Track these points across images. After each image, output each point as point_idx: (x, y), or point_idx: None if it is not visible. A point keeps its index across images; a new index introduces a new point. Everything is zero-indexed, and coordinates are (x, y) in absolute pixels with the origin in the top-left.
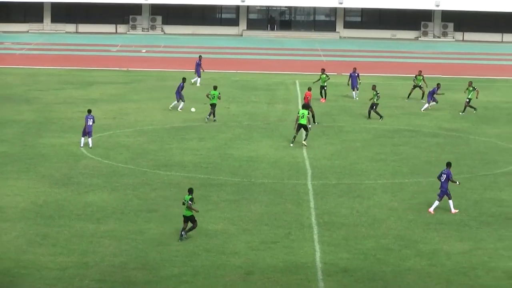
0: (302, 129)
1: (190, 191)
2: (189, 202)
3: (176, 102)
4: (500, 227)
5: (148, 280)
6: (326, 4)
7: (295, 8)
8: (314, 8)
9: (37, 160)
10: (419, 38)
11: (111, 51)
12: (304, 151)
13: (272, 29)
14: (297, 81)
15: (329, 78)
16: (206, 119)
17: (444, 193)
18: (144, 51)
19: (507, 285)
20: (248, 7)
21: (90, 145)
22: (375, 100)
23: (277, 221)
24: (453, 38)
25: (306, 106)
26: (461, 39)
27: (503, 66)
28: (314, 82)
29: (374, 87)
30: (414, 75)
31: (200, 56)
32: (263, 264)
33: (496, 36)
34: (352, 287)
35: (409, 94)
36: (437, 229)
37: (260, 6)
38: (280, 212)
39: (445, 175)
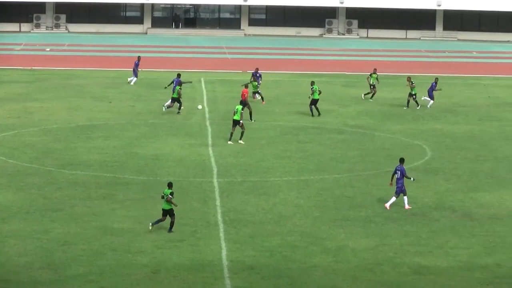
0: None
1: (170, 185)
2: (169, 196)
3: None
4: (405, 223)
5: (53, 279)
6: (231, 1)
7: (200, 5)
8: (219, 6)
9: None
10: (324, 35)
11: (15, 50)
12: (210, 149)
13: (177, 27)
14: (202, 79)
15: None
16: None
17: (400, 189)
18: (48, 49)
19: (413, 281)
20: (152, 5)
21: None
22: (313, 96)
23: (183, 219)
24: (358, 35)
25: (243, 103)
26: (366, 36)
27: (408, 62)
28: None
29: (313, 83)
30: (369, 74)
31: (138, 57)
32: (170, 262)
33: (400, 33)
34: (258, 284)
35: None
36: (343, 225)
37: (165, 4)
38: (186, 210)
39: (399, 172)
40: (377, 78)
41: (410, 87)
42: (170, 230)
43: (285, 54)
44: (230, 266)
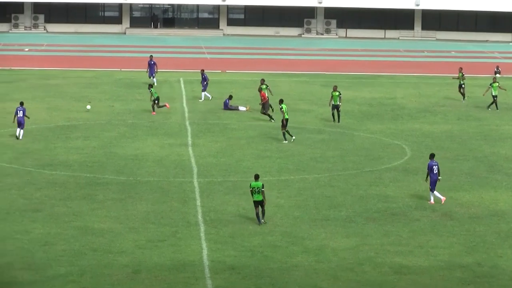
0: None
1: (257, 177)
2: (263, 189)
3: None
4: (385, 222)
5: (34, 280)
6: (209, 1)
7: (178, 5)
8: (198, 6)
9: None
10: (303, 35)
11: None
12: (190, 149)
13: (156, 26)
14: (181, 79)
15: None
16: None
17: (434, 183)
18: (26, 49)
19: (394, 280)
20: (131, 5)
21: (20, 137)
22: (337, 102)
23: (164, 219)
24: (336, 34)
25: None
26: (344, 35)
27: (386, 62)
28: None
29: (335, 88)
30: (494, 78)
31: (151, 56)
32: (150, 262)
33: (379, 33)
34: (239, 284)
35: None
36: (324, 225)
37: (143, 4)
38: (167, 210)
39: (436, 167)
40: (498, 86)
41: (460, 79)
42: (263, 218)
43: (264, 54)
44: (211, 266)
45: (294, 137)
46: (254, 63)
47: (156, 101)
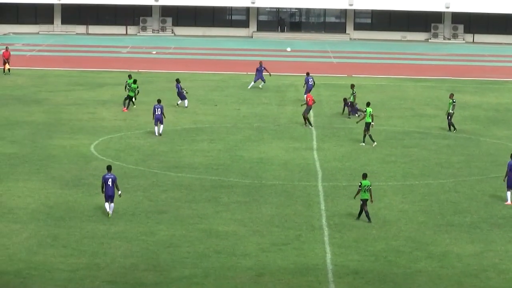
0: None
1: (365, 176)
2: (370, 187)
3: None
4: (510, 229)
5: (158, 281)
6: (336, 5)
7: (305, 9)
8: (324, 10)
9: (47, 161)
10: (429, 40)
11: (121, 52)
12: (315, 152)
13: (282, 30)
14: None
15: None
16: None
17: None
18: (154, 52)
19: None
20: (258, 8)
21: (160, 132)
22: (450, 109)
23: (288, 222)
24: (463, 40)
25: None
26: (471, 41)
27: None
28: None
29: (451, 96)
30: None
31: (260, 62)
32: (274, 266)
33: (506, 38)
34: None
35: None
36: (448, 231)
37: (270, 8)
38: (291, 214)
39: None
40: None
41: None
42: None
43: (390, 58)
44: (334, 270)
45: (375, 143)
46: (380, 68)
47: (129, 98)
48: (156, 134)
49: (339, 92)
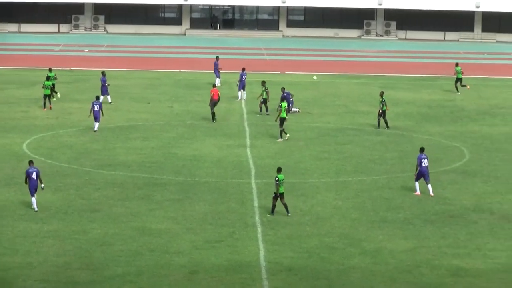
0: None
1: (280, 170)
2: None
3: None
4: (443, 225)
5: (92, 280)
6: (269, 3)
7: (238, 7)
8: (257, 7)
9: None
10: (362, 37)
11: (54, 50)
12: (248, 150)
13: (215, 28)
14: None
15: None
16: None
17: (422, 175)
18: (87, 50)
19: (451, 283)
20: (191, 6)
21: (95, 129)
22: (382, 107)
23: (221, 220)
24: (396, 36)
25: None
26: (404, 37)
27: (446, 64)
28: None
29: (381, 94)
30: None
31: (217, 57)
32: (207, 263)
33: (438, 35)
34: (296, 285)
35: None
36: (381, 227)
37: (203, 5)
38: (224, 211)
39: (426, 160)
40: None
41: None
42: (288, 212)
43: (323, 55)
44: (268, 267)
45: (288, 135)
46: (313, 65)
47: (47, 97)
48: (95, 129)
49: (272, 89)
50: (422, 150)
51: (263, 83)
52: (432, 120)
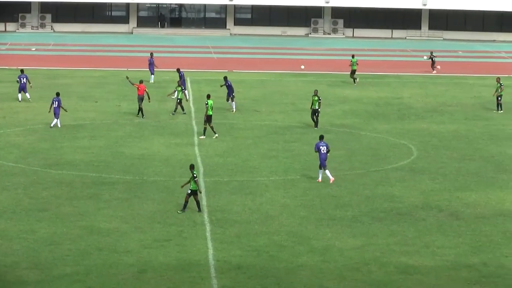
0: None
1: (193, 167)
2: (196, 178)
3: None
4: (391, 222)
5: (40, 279)
6: (216, 1)
7: (185, 5)
8: (205, 5)
9: None
10: (309, 35)
11: (1, 49)
12: (196, 148)
13: (163, 26)
14: (188, 79)
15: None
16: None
17: (323, 161)
18: (33, 49)
19: (399, 280)
20: (138, 4)
21: (52, 125)
22: (315, 106)
23: (170, 219)
24: (343, 34)
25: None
26: (351, 35)
27: (393, 62)
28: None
29: (316, 92)
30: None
31: (151, 54)
32: (156, 262)
33: (385, 32)
34: (245, 284)
35: None
36: (330, 225)
37: (150, 4)
38: (173, 210)
39: (324, 147)
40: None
41: (499, 89)
42: (199, 209)
43: (271, 53)
44: (216, 265)
45: (217, 134)
46: (261, 63)
47: None
48: (59, 125)
49: (219, 88)
50: (321, 137)
51: (179, 82)
52: (379, 118)
